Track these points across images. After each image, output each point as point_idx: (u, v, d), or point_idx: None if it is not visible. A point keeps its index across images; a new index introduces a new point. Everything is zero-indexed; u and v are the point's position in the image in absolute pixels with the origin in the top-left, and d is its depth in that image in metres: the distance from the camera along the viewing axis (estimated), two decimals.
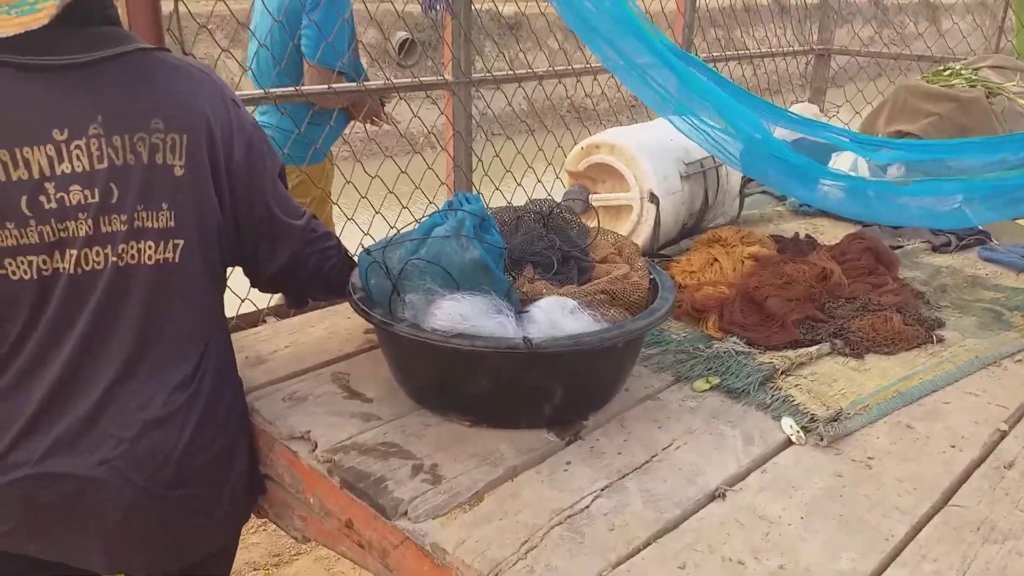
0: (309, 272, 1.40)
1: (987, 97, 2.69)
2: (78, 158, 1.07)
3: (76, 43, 1.08)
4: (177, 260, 1.17)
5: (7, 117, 1.06)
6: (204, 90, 1.18)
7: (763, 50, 3.15)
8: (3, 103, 1.06)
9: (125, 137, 1.09)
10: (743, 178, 2.79)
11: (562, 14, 2.11)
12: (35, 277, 1.11)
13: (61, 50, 1.07)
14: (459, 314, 1.28)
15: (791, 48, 3.34)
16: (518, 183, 2.39)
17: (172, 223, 1.14)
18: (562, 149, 2.31)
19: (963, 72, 2.86)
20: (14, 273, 1.10)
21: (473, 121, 2.14)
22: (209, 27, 1.95)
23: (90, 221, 1.10)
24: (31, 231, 1.08)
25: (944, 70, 2.93)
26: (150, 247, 1.13)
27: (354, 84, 2.03)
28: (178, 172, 1.13)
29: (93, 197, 1.09)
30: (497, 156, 2.29)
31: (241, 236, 1.28)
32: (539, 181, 2.43)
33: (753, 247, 1.97)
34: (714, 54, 2.95)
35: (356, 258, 1.49)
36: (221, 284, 1.34)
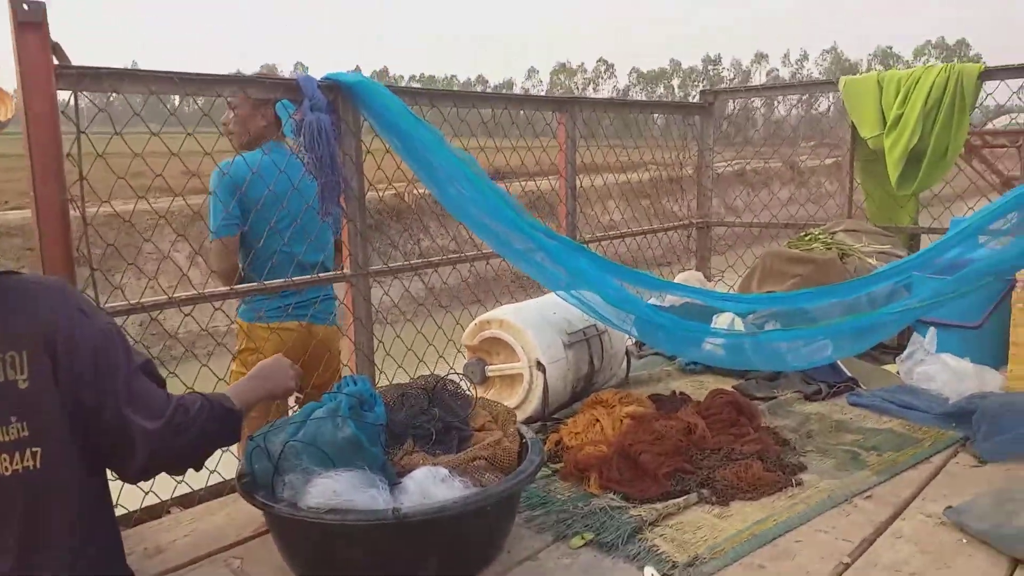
0: (182, 455, 1.41)
1: (841, 258, 3.03)
2: None
3: None
4: (39, 467, 1.22)
5: None
6: (44, 305, 1.27)
7: (645, 227, 3.51)
8: None
9: None
10: (636, 342, 3.03)
11: (442, 202, 2.38)
12: None
13: None
14: (332, 490, 1.38)
15: (672, 223, 3.72)
16: (419, 359, 2.55)
17: (25, 433, 1.21)
18: (461, 326, 2.50)
19: (820, 237, 3.23)
20: None
21: (373, 308, 2.33)
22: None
23: None
24: None
25: (805, 235, 3.30)
26: (5, 459, 1.20)
27: (256, 284, 2.22)
28: (22, 385, 1.21)
29: None
30: (398, 336, 2.47)
31: (95, 439, 1.31)
32: (440, 356, 2.61)
33: (631, 407, 2.14)
34: (598, 234, 3.28)
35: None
36: (97, 482, 1.37)
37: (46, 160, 1.82)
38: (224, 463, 2.07)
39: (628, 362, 2.67)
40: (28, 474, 1.22)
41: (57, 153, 1.83)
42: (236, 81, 2.23)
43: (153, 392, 1.38)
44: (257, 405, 1.60)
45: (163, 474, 1.56)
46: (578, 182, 3.17)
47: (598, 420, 2.10)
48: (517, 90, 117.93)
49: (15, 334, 1.23)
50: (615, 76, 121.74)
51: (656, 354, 3.05)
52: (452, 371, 2.45)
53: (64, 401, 1.26)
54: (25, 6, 1.82)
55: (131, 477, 1.41)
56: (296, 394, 1.81)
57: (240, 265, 2.69)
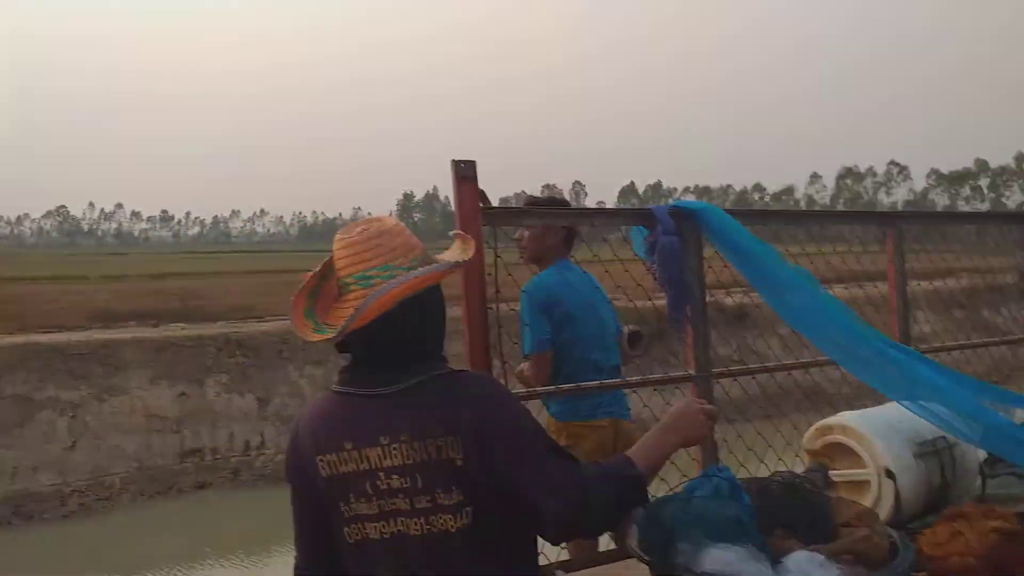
0: (591, 527, 1.66)
1: None
2: (396, 456, 1.55)
3: (397, 377, 1.60)
4: (474, 524, 1.53)
5: (357, 428, 1.59)
6: (470, 398, 1.55)
7: (986, 339, 3.33)
8: (354, 419, 1.60)
9: (422, 442, 1.53)
10: (989, 458, 2.86)
11: (780, 313, 2.56)
12: (380, 538, 1.56)
13: (387, 383, 1.59)
14: (725, 560, 1.60)
15: (1015, 336, 3.47)
16: (761, 460, 2.69)
17: (461, 497, 1.53)
18: (798, 431, 2.62)
19: None
20: (368, 535, 1.57)
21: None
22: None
23: (407, 499, 1.54)
24: (372, 505, 1.56)
25: None
26: (450, 518, 1.53)
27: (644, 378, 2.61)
28: (458, 463, 1.53)
29: (407, 483, 1.54)
30: (740, 437, 2.65)
31: (511, 507, 1.56)
32: (780, 459, 2.72)
33: (996, 522, 2.07)
34: (935, 344, 3.20)
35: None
36: (522, 539, 1.65)
37: (474, 280, 2.34)
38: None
39: (983, 479, 2.55)
40: (467, 530, 1.55)
41: (481, 274, 2.36)
42: (589, 214, 2.67)
43: (561, 474, 1.56)
44: (670, 455, 1.73)
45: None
46: (875, 289, 3.14)
47: (961, 532, 2.06)
48: (799, 195, 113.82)
49: (453, 422, 1.55)
50: (910, 178, 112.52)
51: (1011, 473, 2.85)
52: (797, 472, 2.56)
53: (485, 476, 1.55)
54: (462, 164, 2.42)
55: (549, 541, 1.69)
56: None
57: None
